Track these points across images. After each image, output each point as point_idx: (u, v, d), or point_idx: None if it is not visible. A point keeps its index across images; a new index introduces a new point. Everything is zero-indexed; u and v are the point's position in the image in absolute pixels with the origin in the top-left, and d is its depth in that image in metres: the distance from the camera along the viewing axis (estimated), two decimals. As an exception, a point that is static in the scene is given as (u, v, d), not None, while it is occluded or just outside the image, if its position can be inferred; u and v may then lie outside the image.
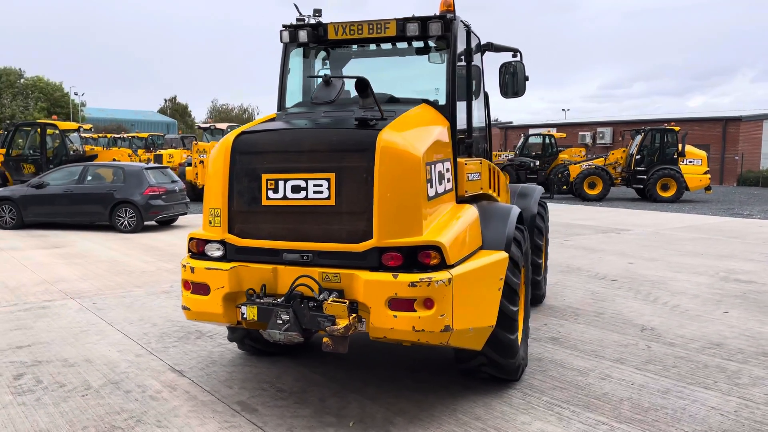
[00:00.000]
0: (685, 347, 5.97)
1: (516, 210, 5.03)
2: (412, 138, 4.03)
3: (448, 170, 4.54)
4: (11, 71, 67.00)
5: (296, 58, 5.44)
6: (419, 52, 5.11)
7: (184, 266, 4.32)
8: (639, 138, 24.60)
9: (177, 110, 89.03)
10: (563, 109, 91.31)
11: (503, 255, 4.57)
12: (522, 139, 28.70)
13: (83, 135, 21.21)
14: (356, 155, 3.89)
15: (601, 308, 7.42)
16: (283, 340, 3.82)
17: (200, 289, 4.18)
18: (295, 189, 3.98)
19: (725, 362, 5.55)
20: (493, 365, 4.75)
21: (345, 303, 3.74)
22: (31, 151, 18.73)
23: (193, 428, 4.20)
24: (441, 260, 3.87)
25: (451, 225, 4.17)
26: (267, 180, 4.05)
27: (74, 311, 7.20)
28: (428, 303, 3.77)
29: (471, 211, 4.62)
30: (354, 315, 3.79)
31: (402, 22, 4.79)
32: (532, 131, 34.56)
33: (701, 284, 8.82)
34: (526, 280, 5.47)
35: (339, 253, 3.93)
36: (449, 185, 4.55)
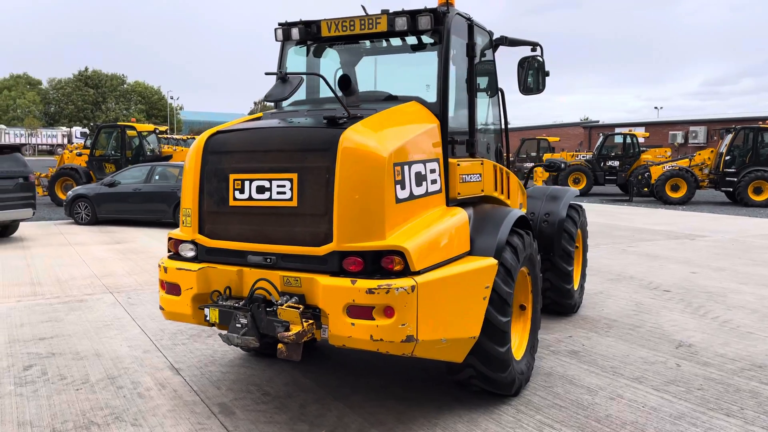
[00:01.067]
0: (720, 368, 5.41)
1: (515, 214, 4.72)
2: (381, 137, 3.83)
3: (433, 171, 4.30)
4: (115, 77, 71.73)
5: (300, 57, 5.35)
6: (415, 48, 4.89)
7: (159, 266, 4.33)
8: (729, 137, 22.92)
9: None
10: (656, 107, 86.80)
11: (491, 262, 4.28)
12: (601, 139, 27.46)
13: (161, 136, 22.20)
14: (318, 155, 3.74)
15: (640, 321, 6.88)
16: (241, 345, 3.73)
17: (173, 289, 4.17)
18: (260, 190, 3.89)
19: (762, 387, 4.98)
20: (483, 378, 4.47)
21: (298, 309, 3.60)
22: (113, 152, 19.81)
23: (166, 428, 4.19)
24: (405, 266, 3.65)
25: (426, 229, 3.94)
26: (234, 180, 3.98)
27: (106, 305, 7.46)
28: (388, 311, 3.56)
29: (459, 215, 4.36)
30: (310, 321, 3.65)
31: (392, 17, 4.60)
32: (617, 131, 33.05)
33: (765, 298, 8.02)
34: (533, 288, 5.13)
35: (300, 257, 3.79)
36: (435, 187, 4.30)
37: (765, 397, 4.78)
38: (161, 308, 4.34)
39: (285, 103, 5.21)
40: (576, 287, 7.25)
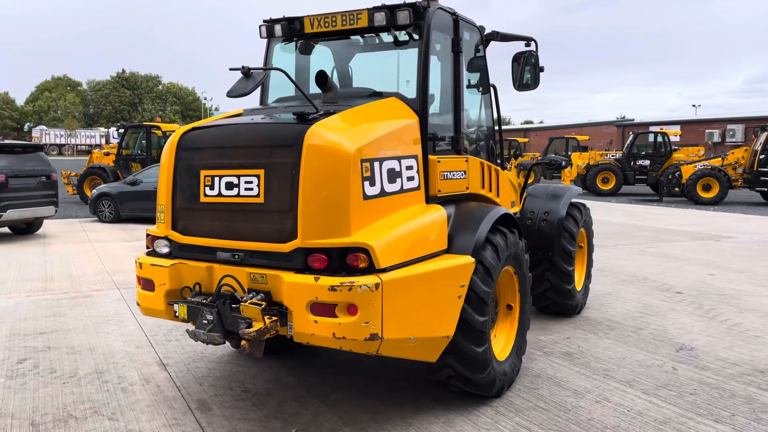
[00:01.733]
0: (718, 372, 5.22)
1: (497, 212, 4.62)
2: (349, 133, 3.79)
3: (410, 168, 4.24)
4: (150, 78, 73.17)
5: (287, 54, 5.33)
6: (399, 43, 4.82)
7: (135, 262, 4.36)
8: (764, 135, 22.17)
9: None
10: (693, 105, 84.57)
11: (468, 260, 4.20)
12: (630, 138, 26.89)
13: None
14: (284, 151, 3.72)
15: (645, 323, 6.69)
16: (207, 341, 3.72)
17: (147, 285, 4.20)
18: (229, 186, 3.89)
19: (758, 392, 4.78)
20: (462, 379, 4.39)
21: (260, 305, 3.58)
22: (139, 151, 20.17)
23: (141, 423, 4.23)
24: (370, 263, 3.60)
25: (397, 226, 3.88)
26: (205, 176, 3.99)
27: (111, 301, 7.58)
28: (351, 309, 3.52)
29: (436, 213, 4.29)
30: (274, 318, 3.62)
31: (372, 12, 4.55)
32: (652, 129, 32.32)
33: (782, 301, 7.73)
34: (521, 288, 5.02)
35: (267, 253, 3.78)
36: (412, 184, 4.24)
37: (760, 403, 4.59)
38: (138, 304, 4.38)
39: (270, 99, 5.21)
40: (579, 288, 7.10)
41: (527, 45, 5.70)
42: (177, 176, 4.13)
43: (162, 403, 4.56)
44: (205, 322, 3.74)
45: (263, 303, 3.62)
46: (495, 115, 5.68)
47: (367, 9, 4.60)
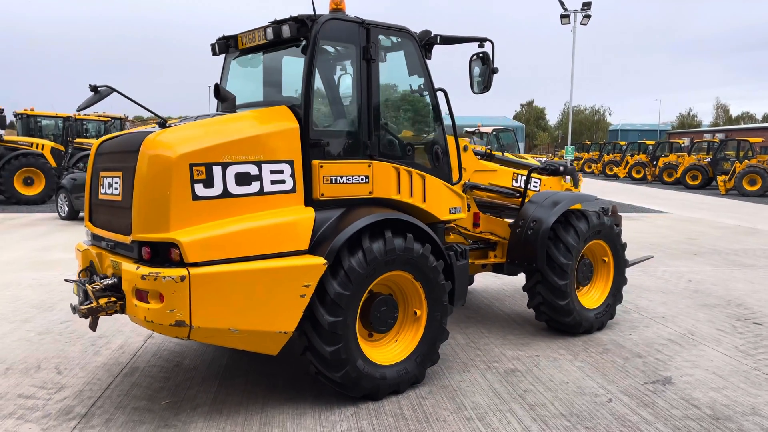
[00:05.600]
0: (659, 412, 4.52)
1: (373, 218, 4.61)
2: (184, 140, 4.18)
3: (279, 171, 4.49)
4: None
5: (244, 68, 5.79)
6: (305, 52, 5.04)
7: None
8: None
9: (532, 114, 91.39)
10: None
11: (316, 261, 4.34)
12: None
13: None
14: (131, 156, 4.28)
15: (654, 351, 5.88)
16: (80, 315, 4.44)
17: (77, 266, 5.10)
18: (110, 186, 4.59)
19: (671, 440, 4.09)
20: (324, 377, 4.55)
21: (95, 288, 4.21)
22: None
23: (72, 379, 5.10)
24: (182, 257, 4.01)
25: (231, 225, 4.20)
26: (101, 177, 4.75)
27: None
28: (160, 297, 3.97)
29: (300, 215, 4.48)
30: (112, 299, 4.22)
31: (266, 27, 4.88)
32: None
33: None
34: (429, 296, 4.93)
35: (122, 244, 4.39)
36: (281, 186, 4.48)
37: (653, 450, 3.94)
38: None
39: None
40: (596, 306, 6.48)
41: (481, 46, 5.48)
42: (92, 176, 4.96)
43: (107, 366, 5.43)
44: (80, 298, 4.50)
45: (100, 284, 4.26)
46: (444, 120, 5.53)
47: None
